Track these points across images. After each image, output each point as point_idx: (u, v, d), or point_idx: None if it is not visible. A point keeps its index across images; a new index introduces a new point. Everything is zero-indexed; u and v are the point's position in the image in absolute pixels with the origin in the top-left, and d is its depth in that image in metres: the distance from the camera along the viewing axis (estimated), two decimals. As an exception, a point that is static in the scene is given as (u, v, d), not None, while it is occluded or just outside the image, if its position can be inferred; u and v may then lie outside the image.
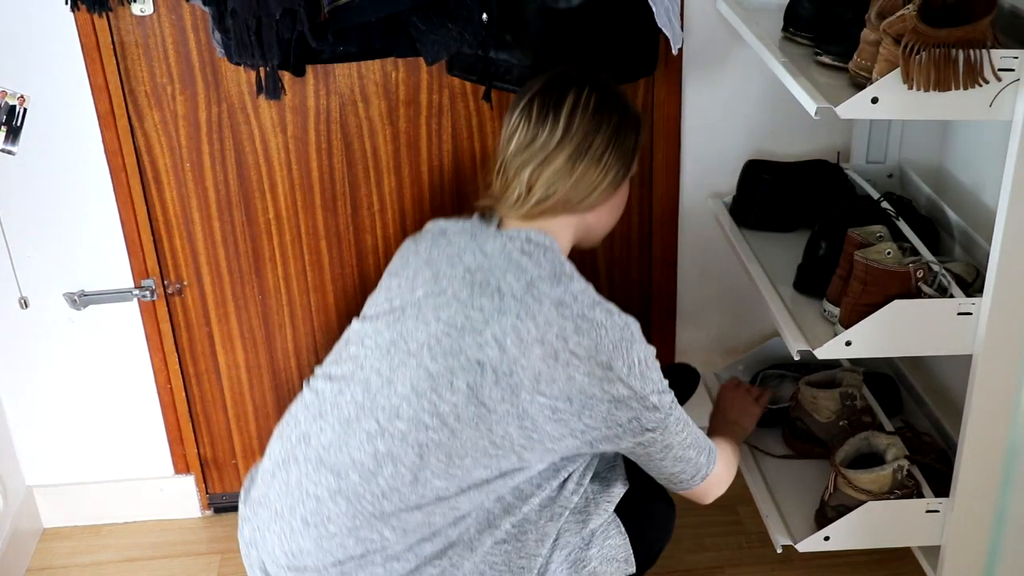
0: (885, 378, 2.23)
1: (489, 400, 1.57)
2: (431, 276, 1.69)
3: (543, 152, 1.66)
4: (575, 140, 1.65)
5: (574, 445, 1.63)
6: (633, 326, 1.62)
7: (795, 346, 1.78)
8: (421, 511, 1.60)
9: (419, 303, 1.66)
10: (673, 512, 1.87)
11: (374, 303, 1.76)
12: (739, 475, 2.17)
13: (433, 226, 1.80)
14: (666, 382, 1.67)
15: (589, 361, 1.57)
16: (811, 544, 1.89)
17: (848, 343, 1.73)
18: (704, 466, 1.75)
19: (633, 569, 1.77)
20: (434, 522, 1.61)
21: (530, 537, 1.67)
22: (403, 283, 1.72)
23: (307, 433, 1.68)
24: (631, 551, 1.76)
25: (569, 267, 1.65)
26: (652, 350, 1.65)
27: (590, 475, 1.76)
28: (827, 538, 1.88)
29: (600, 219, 1.75)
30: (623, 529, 1.76)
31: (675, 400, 1.68)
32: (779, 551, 1.94)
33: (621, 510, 1.77)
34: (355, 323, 1.76)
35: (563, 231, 1.70)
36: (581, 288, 1.62)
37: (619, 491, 1.77)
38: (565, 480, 1.72)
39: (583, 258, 2.28)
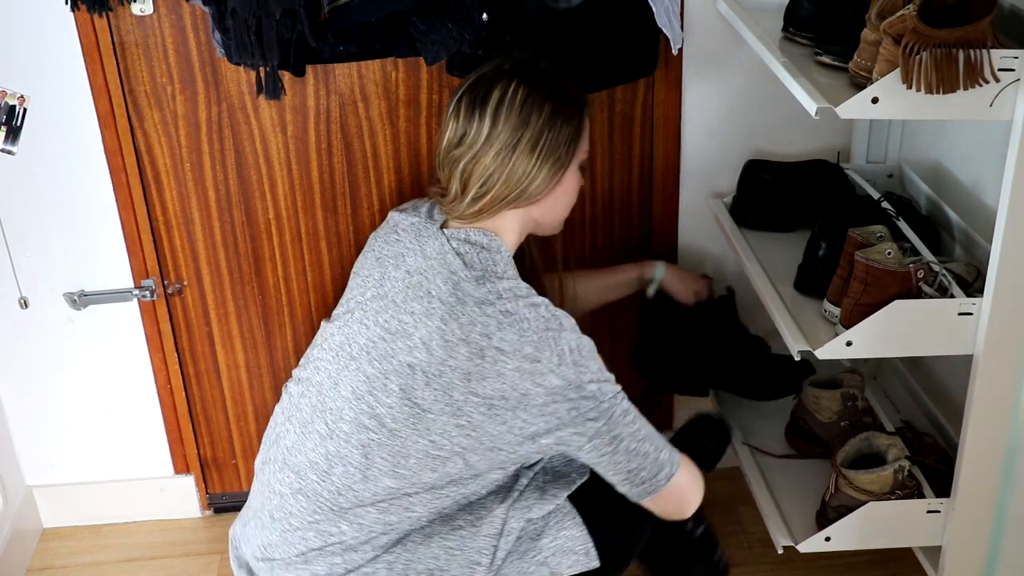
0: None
1: (423, 401, 1.60)
2: (379, 277, 1.75)
3: (471, 149, 1.66)
4: (503, 136, 1.64)
5: (516, 441, 1.62)
6: (563, 319, 1.62)
7: (795, 346, 1.78)
8: (376, 508, 1.66)
9: (365, 305, 1.73)
10: (648, 528, 1.82)
11: (340, 303, 1.82)
12: (739, 475, 2.18)
13: (390, 219, 1.83)
14: (610, 375, 1.65)
15: (516, 355, 1.57)
16: (812, 545, 1.89)
17: (849, 343, 1.73)
18: (667, 464, 1.69)
19: (596, 563, 1.75)
20: (389, 520, 1.67)
21: (484, 522, 1.70)
22: (359, 283, 1.79)
23: (279, 435, 1.78)
24: (591, 545, 1.74)
25: (503, 266, 1.65)
26: (587, 341, 1.64)
27: (545, 467, 1.77)
28: (828, 539, 1.88)
29: (546, 210, 1.73)
30: (580, 521, 1.74)
31: (622, 393, 1.66)
32: (780, 551, 1.94)
33: (590, 509, 1.75)
34: (323, 324, 1.83)
35: (506, 226, 1.70)
36: (508, 286, 1.62)
37: (574, 480, 1.76)
38: (517, 473, 1.74)
39: (582, 260, 2.28)
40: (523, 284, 1.64)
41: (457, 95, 1.70)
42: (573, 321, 1.64)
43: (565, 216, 1.78)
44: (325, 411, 1.70)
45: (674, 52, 1.92)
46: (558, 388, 1.59)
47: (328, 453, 1.67)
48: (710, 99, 2.19)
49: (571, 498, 1.77)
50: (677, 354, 2.15)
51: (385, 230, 1.81)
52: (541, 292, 1.76)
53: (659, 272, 2.17)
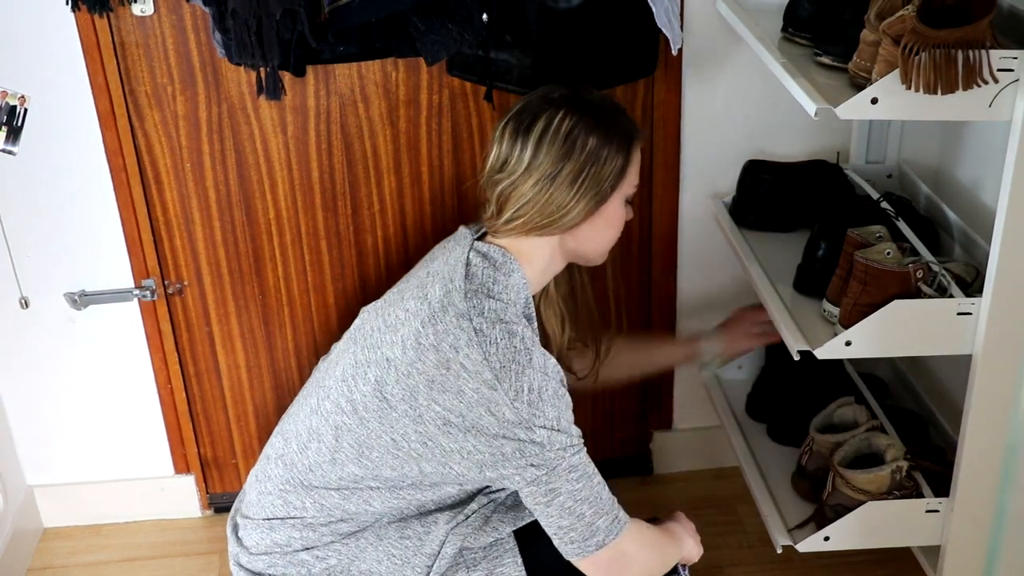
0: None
1: (391, 397, 1.62)
2: (410, 274, 1.79)
3: (511, 176, 1.65)
4: (544, 166, 1.63)
5: (465, 466, 1.61)
6: (537, 356, 1.59)
7: (795, 346, 1.78)
8: (339, 493, 1.69)
9: (387, 297, 1.78)
10: None
11: None
12: (739, 475, 2.17)
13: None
14: (568, 426, 1.60)
15: (477, 376, 1.56)
16: (811, 544, 1.89)
17: (848, 343, 1.73)
18: (601, 531, 1.61)
19: None
20: (348, 508, 1.70)
21: (428, 539, 1.70)
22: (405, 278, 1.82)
23: (294, 401, 1.87)
24: None
25: (502, 286, 1.62)
26: (553, 386, 1.59)
27: (502, 495, 1.75)
28: (827, 538, 1.88)
29: (584, 241, 1.71)
30: (520, 561, 1.71)
31: (575, 448, 1.60)
32: (779, 551, 1.94)
33: (537, 551, 1.69)
34: None
35: (537, 251, 1.69)
36: (494, 306, 1.60)
37: (524, 517, 1.73)
38: (476, 493, 1.74)
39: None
40: (513, 310, 1.61)
41: (504, 119, 1.69)
42: (552, 364, 1.61)
43: (607, 248, 1.76)
44: (320, 387, 1.76)
45: (674, 52, 1.92)
46: (510, 422, 1.56)
47: (310, 427, 1.73)
48: (710, 99, 2.19)
49: (519, 536, 1.73)
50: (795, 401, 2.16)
51: (449, 237, 1.82)
52: (580, 324, 1.83)
53: (713, 349, 2.19)
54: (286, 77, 1.97)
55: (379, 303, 1.79)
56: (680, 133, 2.21)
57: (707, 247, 2.33)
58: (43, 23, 1.99)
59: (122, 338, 2.29)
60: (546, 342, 1.80)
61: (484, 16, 1.86)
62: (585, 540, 1.61)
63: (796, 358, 1.79)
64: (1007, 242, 1.61)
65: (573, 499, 1.60)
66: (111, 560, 2.38)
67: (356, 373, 1.68)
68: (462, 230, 1.77)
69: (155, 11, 2.00)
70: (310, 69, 2.06)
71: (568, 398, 1.63)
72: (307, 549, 1.73)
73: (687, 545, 1.79)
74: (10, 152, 2.08)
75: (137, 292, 2.23)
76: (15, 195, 2.13)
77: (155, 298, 2.24)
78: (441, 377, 1.58)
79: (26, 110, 2.06)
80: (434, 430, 1.59)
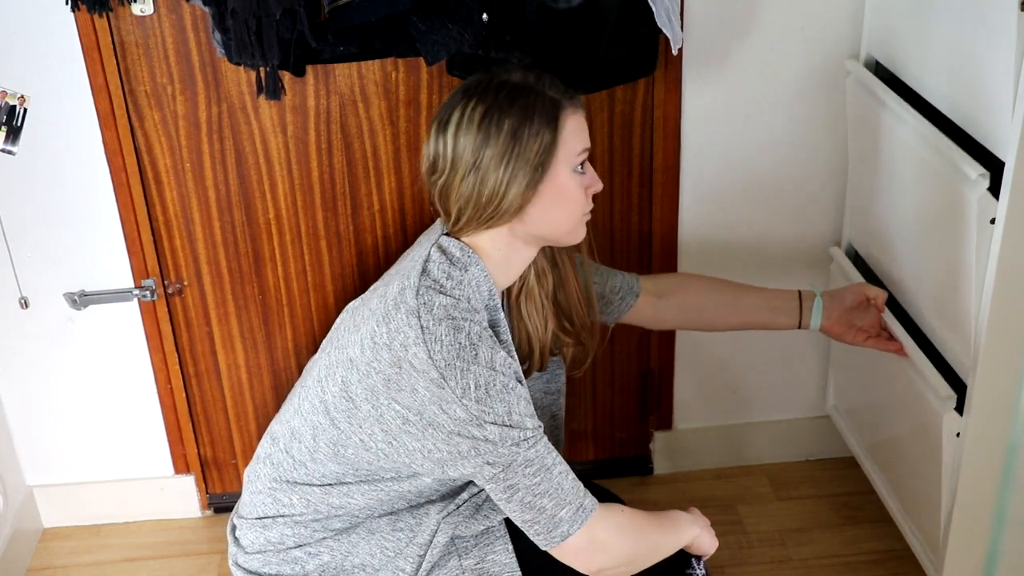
0: None
1: (356, 396, 1.63)
2: (389, 271, 1.80)
3: (443, 175, 1.62)
4: (465, 158, 1.59)
5: (428, 467, 1.62)
6: (484, 351, 1.55)
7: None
8: (322, 489, 1.71)
9: (364, 295, 1.78)
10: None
11: None
12: (738, 474, 2.17)
13: None
14: (522, 421, 1.57)
15: (425, 375, 1.55)
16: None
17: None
18: (565, 523, 1.59)
19: None
20: (332, 502, 1.71)
21: (420, 530, 1.71)
22: None
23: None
24: (518, 574, 1.70)
25: (454, 282, 1.59)
26: (503, 380, 1.56)
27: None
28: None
29: (535, 222, 1.63)
30: (511, 548, 1.71)
31: (531, 441, 1.57)
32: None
33: (527, 538, 1.66)
34: None
35: (492, 244, 1.65)
36: (444, 303, 1.56)
37: None
38: (466, 483, 1.74)
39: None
40: (466, 305, 1.58)
41: (432, 120, 1.67)
42: (501, 359, 1.57)
43: (573, 222, 1.67)
44: (302, 387, 1.78)
45: (674, 52, 1.92)
46: (462, 420, 1.55)
47: (292, 428, 1.75)
48: (710, 99, 2.19)
49: (510, 524, 1.72)
50: None
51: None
52: (568, 317, 1.78)
53: (815, 322, 1.96)
54: (286, 77, 1.97)
55: (357, 301, 1.80)
56: (680, 133, 2.21)
57: (707, 247, 2.33)
58: (43, 23, 1.99)
59: (122, 338, 2.29)
60: (527, 337, 1.78)
61: (484, 16, 1.86)
62: (550, 532, 1.60)
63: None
64: (1007, 242, 1.61)
65: (532, 493, 1.58)
66: (111, 560, 2.38)
67: (328, 374, 1.69)
68: (437, 224, 1.72)
69: (155, 11, 2.00)
70: (310, 69, 2.06)
71: (521, 391, 1.59)
72: (300, 546, 1.74)
73: (689, 533, 1.74)
74: (10, 152, 2.08)
75: (137, 292, 2.23)
76: (15, 195, 2.13)
77: (155, 298, 2.24)
78: (396, 375, 1.57)
79: (26, 110, 2.06)
80: (396, 429, 1.60)
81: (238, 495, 2.37)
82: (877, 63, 2.07)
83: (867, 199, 2.12)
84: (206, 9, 1.82)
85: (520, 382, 1.61)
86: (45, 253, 2.19)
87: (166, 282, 2.24)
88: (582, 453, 2.52)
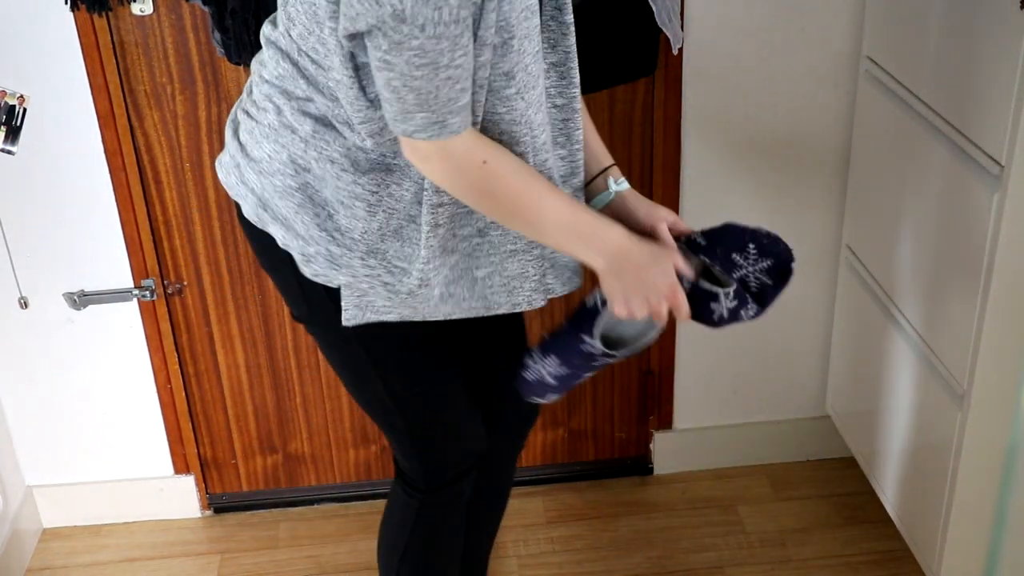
0: None
1: None
2: None
3: None
4: None
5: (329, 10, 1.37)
6: None
7: None
8: (288, 61, 1.47)
9: None
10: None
11: None
12: (738, 474, 2.17)
13: None
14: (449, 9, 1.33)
15: None
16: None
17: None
18: (415, 124, 1.39)
19: (579, 281, 1.59)
20: (288, 90, 1.48)
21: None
22: None
23: None
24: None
25: None
26: None
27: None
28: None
29: None
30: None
31: (433, 26, 1.32)
32: None
33: None
34: None
35: None
36: None
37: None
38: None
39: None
40: None
41: None
42: None
43: None
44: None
45: (674, 52, 1.92)
46: None
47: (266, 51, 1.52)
48: (710, 99, 2.19)
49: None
50: None
51: None
52: None
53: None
54: (286, 77, 1.97)
55: None
56: (680, 133, 2.21)
57: (707, 247, 2.33)
58: (43, 23, 1.99)
59: (121, 338, 2.29)
60: None
61: (484, 15, 1.85)
62: (394, 120, 1.41)
63: None
64: (1008, 242, 1.61)
65: (403, 76, 1.36)
66: (110, 560, 2.38)
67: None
68: None
69: (154, 11, 2.00)
70: (310, 69, 2.06)
71: None
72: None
73: (617, 246, 1.59)
74: (9, 152, 2.08)
75: (136, 292, 2.23)
76: (14, 195, 2.13)
77: (154, 298, 2.24)
78: None
79: (25, 110, 2.06)
80: None
81: (238, 495, 2.38)
82: (877, 63, 2.07)
83: (869, 198, 2.12)
84: (206, 9, 1.82)
85: None
86: (45, 253, 2.19)
87: (166, 282, 2.24)
88: (582, 453, 2.52)
